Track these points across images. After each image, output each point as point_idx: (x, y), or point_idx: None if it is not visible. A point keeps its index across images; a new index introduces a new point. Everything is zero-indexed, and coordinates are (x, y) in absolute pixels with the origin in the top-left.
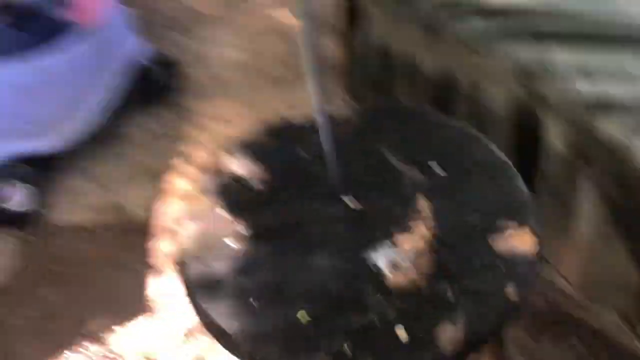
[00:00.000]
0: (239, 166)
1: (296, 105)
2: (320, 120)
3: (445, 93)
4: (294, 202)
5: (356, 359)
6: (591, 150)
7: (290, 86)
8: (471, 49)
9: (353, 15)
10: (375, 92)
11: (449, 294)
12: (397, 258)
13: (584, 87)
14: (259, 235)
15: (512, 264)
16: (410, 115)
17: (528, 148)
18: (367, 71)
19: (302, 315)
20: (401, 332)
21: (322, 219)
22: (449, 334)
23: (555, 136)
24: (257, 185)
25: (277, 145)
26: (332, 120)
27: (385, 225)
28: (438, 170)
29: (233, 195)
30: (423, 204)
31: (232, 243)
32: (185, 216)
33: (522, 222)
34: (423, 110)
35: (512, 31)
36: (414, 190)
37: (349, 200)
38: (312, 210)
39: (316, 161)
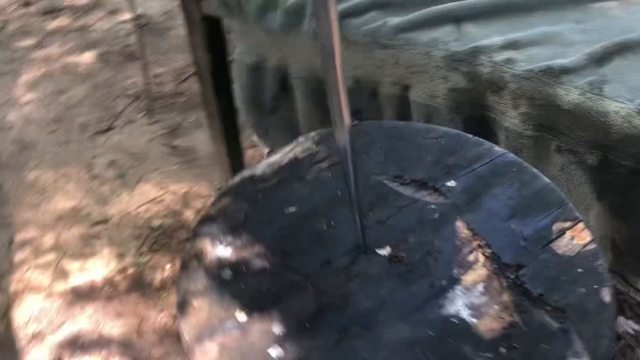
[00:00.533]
0: (226, 250)
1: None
2: (346, 164)
3: (369, 102)
4: (322, 276)
5: None
6: (553, 121)
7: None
8: (385, 46)
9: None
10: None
11: (548, 318)
12: (475, 300)
13: (520, 60)
14: (304, 331)
15: (584, 263)
16: (386, 133)
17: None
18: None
19: None
20: None
21: (367, 285)
22: None
23: (511, 117)
24: (263, 268)
25: (253, 209)
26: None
27: (441, 267)
28: (451, 184)
29: (240, 290)
30: (462, 228)
31: (277, 352)
32: (199, 332)
33: (567, 218)
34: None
35: (429, 20)
36: (445, 216)
37: (386, 251)
38: (351, 280)
39: (315, 215)
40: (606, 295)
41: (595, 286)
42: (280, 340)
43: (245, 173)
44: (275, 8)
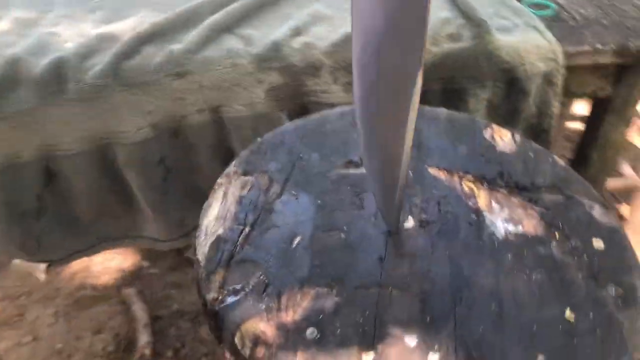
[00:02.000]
0: None
1: None
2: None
3: (171, 145)
4: (387, 267)
5: None
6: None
7: None
8: (182, 74)
9: None
10: None
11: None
12: (501, 214)
13: (317, 38)
14: None
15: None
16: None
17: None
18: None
19: None
20: None
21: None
22: None
23: (334, 92)
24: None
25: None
26: None
27: (458, 208)
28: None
29: None
30: (438, 172)
31: None
32: None
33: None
34: None
35: (209, 35)
36: (416, 171)
37: (412, 223)
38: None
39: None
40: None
41: None
42: None
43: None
44: (17, 85)
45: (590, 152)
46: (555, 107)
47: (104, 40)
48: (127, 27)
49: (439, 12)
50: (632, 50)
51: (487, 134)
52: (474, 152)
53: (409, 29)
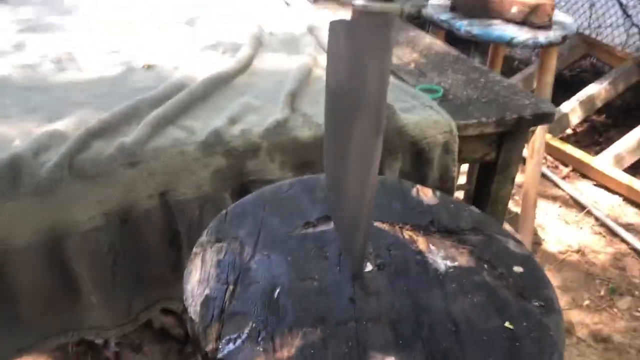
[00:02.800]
0: None
1: None
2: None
3: (120, 233)
4: (345, 307)
5: None
6: (299, 156)
7: None
8: (134, 164)
9: None
10: None
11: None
12: (443, 254)
13: (254, 125)
14: None
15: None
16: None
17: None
18: None
19: None
20: None
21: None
22: None
23: (271, 170)
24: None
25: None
26: None
27: (405, 253)
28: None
29: None
30: (381, 225)
31: None
32: None
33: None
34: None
35: (157, 125)
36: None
37: (371, 266)
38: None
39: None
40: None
41: None
42: None
43: None
44: None
45: (483, 206)
46: (454, 172)
47: (53, 137)
48: (72, 124)
49: None
50: (508, 121)
51: (414, 192)
52: (407, 206)
53: (371, 102)
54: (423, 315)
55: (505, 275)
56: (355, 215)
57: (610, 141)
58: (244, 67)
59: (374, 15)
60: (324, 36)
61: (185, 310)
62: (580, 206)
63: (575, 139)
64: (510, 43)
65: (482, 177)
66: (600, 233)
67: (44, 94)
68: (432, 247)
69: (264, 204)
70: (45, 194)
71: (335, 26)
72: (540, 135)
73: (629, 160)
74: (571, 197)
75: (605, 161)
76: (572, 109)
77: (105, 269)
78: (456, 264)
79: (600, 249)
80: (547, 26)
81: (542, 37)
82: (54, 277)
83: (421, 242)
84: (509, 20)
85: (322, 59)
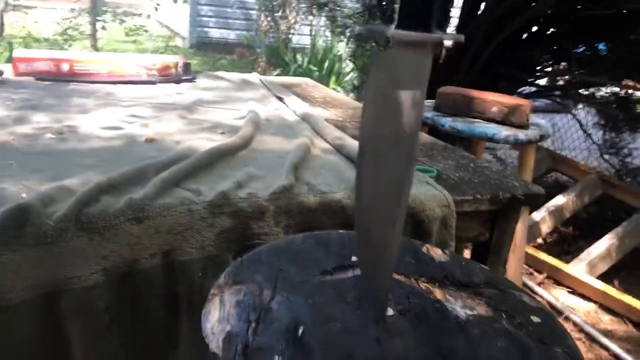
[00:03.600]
0: None
1: None
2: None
3: (118, 292)
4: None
5: None
6: (306, 221)
7: None
8: (141, 219)
9: None
10: None
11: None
12: (461, 302)
13: (260, 189)
14: None
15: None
16: None
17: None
18: None
19: None
20: None
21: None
22: None
23: (275, 234)
24: None
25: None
26: None
27: (425, 302)
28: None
29: None
30: (400, 278)
31: None
32: None
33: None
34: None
35: (165, 185)
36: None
37: (392, 311)
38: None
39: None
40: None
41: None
42: None
43: None
44: None
45: None
46: (452, 247)
47: (61, 191)
48: (79, 183)
49: (352, 173)
50: (501, 199)
51: (424, 249)
52: (420, 262)
53: (404, 143)
54: (450, 357)
55: (524, 324)
56: (381, 255)
57: (579, 251)
58: (246, 143)
59: (412, 45)
60: (317, 122)
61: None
62: (557, 312)
63: (547, 248)
64: (492, 139)
65: (476, 258)
66: (580, 339)
67: (48, 158)
68: (450, 297)
69: (278, 253)
70: (48, 246)
71: (375, 58)
72: (522, 230)
73: (602, 268)
74: (548, 303)
75: (579, 268)
76: (542, 218)
77: (99, 331)
78: (475, 312)
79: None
80: (524, 126)
81: (522, 134)
82: (44, 338)
83: (438, 293)
84: (489, 120)
85: (318, 142)
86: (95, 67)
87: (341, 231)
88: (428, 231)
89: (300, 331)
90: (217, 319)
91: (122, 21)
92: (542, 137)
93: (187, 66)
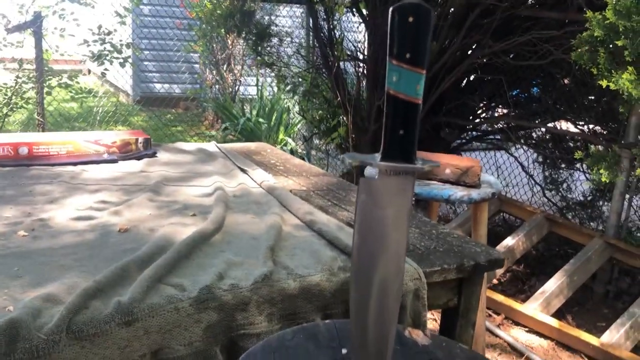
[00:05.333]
0: None
1: None
2: None
3: None
4: None
5: None
6: (288, 307)
7: None
8: (129, 323)
9: None
10: None
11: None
12: None
13: (241, 279)
14: None
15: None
16: None
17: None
18: None
19: None
20: None
21: None
22: None
23: (259, 322)
24: None
25: None
26: None
27: None
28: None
29: None
30: None
31: None
32: None
33: None
34: None
35: (150, 285)
36: None
37: None
38: None
39: None
40: None
41: None
42: None
43: None
44: None
45: None
46: (425, 317)
47: (47, 300)
48: (63, 288)
49: (326, 252)
50: (466, 267)
51: (407, 333)
52: (404, 347)
53: (393, 255)
54: None
55: None
56: (378, 351)
57: (533, 289)
58: (219, 226)
59: (396, 174)
60: (285, 197)
61: None
62: (518, 352)
63: (502, 289)
64: (448, 200)
65: (446, 323)
66: None
67: (25, 260)
68: None
69: (273, 352)
70: (41, 359)
71: (363, 184)
72: (483, 284)
73: (555, 305)
74: (508, 344)
75: (534, 307)
76: None
77: None
78: None
79: None
80: (476, 185)
81: (475, 194)
82: None
83: None
84: (444, 181)
85: (288, 217)
86: (54, 149)
87: (327, 321)
88: (402, 304)
89: None
90: None
91: (68, 85)
92: (494, 195)
93: (147, 141)
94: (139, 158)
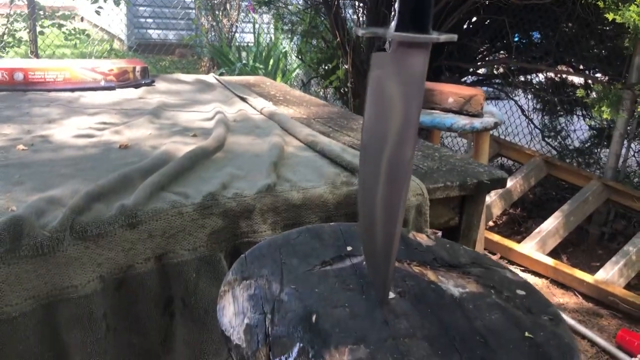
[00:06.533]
0: None
1: None
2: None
3: (115, 298)
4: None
5: None
6: (292, 217)
7: None
8: (134, 225)
9: None
10: None
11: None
12: (454, 282)
13: (245, 188)
14: None
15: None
16: None
17: None
18: None
19: None
20: None
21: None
22: None
23: (263, 231)
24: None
25: None
26: None
27: (421, 283)
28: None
29: None
30: (398, 264)
31: None
32: None
33: None
34: None
35: (154, 190)
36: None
37: (394, 293)
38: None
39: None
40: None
41: None
42: None
43: None
44: None
45: None
46: (427, 232)
47: (51, 202)
48: (66, 192)
49: (329, 168)
50: (469, 185)
51: (411, 236)
52: (409, 247)
53: (405, 137)
54: (452, 331)
55: (511, 297)
56: (385, 245)
57: (529, 231)
58: (220, 145)
59: (411, 45)
60: (285, 121)
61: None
62: None
63: (498, 230)
64: (450, 128)
65: None
66: None
67: (26, 169)
68: (442, 278)
69: (279, 248)
70: (44, 257)
71: (375, 58)
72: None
73: (551, 245)
74: None
75: (530, 247)
76: (492, 202)
77: (99, 338)
78: (467, 289)
79: None
80: (479, 114)
81: (477, 122)
82: (44, 349)
83: (430, 275)
84: (447, 110)
85: (290, 140)
86: (50, 75)
87: (332, 224)
88: (405, 219)
89: (313, 318)
90: (233, 312)
91: (61, 25)
92: (496, 124)
93: (144, 70)
94: (136, 86)
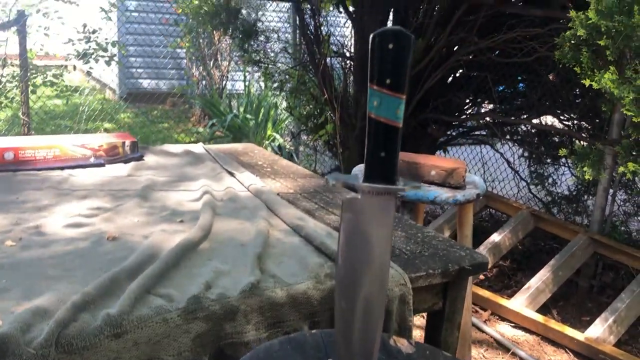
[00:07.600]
0: None
1: None
2: None
3: None
4: None
5: None
6: (276, 315)
7: None
8: (118, 335)
9: None
10: None
11: None
12: None
13: (229, 288)
14: None
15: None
16: None
17: None
18: None
19: None
20: None
21: None
22: None
23: (247, 332)
24: None
25: None
26: None
27: None
28: None
29: None
30: None
31: None
32: None
33: None
34: None
35: (140, 295)
36: None
37: None
38: None
39: None
40: None
41: None
42: None
43: None
44: None
45: None
46: (411, 322)
47: (37, 314)
48: (52, 299)
49: (313, 258)
50: (451, 271)
51: (391, 342)
52: (390, 356)
53: (376, 266)
54: None
55: None
56: None
57: (519, 284)
58: (206, 233)
59: (378, 194)
60: (272, 201)
61: None
62: (504, 347)
63: (489, 284)
64: (434, 201)
65: (431, 326)
66: None
67: (12, 272)
68: None
69: None
70: None
71: (347, 203)
72: (468, 285)
73: (541, 301)
74: (494, 339)
75: (519, 303)
76: None
77: None
78: None
79: None
80: (461, 186)
81: (460, 195)
82: None
83: None
84: (429, 183)
85: (276, 222)
86: (41, 153)
87: (314, 332)
88: (389, 309)
89: None
90: None
91: (54, 83)
92: (479, 196)
93: (134, 145)
94: (126, 161)
